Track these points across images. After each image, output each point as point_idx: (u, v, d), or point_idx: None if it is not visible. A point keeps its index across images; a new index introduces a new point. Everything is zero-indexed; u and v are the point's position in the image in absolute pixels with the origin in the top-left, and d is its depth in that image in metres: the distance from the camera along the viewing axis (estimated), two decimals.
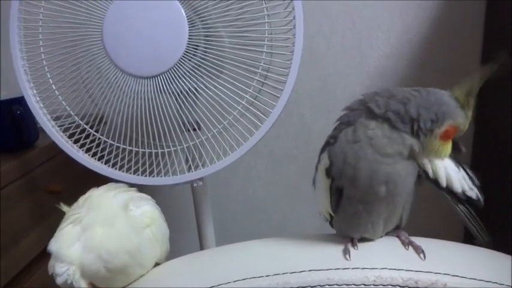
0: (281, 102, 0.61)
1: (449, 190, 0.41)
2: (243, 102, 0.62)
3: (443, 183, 0.41)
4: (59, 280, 0.44)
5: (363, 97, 0.43)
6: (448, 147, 0.41)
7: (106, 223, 0.45)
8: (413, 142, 0.39)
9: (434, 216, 1.00)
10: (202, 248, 0.80)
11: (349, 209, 0.43)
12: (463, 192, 0.41)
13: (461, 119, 0.39)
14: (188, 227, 1.09)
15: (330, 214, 0.46)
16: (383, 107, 0.40)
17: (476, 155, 0.94)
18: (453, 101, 0.39)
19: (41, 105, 0.66)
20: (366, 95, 0.42)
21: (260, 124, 0.62)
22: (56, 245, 0.45)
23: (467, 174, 0.42)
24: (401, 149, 0.39)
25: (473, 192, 0.41)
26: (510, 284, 0.38)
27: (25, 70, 0.65)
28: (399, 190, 0.41)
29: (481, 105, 0.91)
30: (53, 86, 0.65)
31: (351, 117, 0.42)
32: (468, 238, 0.98)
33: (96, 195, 0.48)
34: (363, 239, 0.45)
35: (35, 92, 0.65)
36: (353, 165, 0.39)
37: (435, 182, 0.41)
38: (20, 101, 0.71)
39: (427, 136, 0.39)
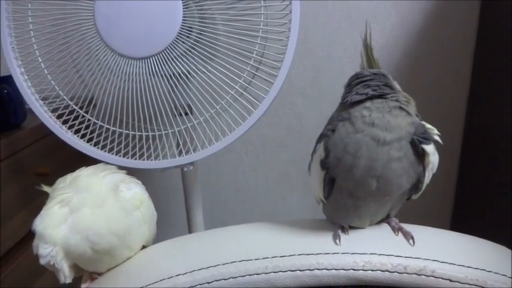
0: (275, 89, 0.61)
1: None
2: (236, 87, 0.62)
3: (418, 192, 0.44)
4: (43, 261, 0.44)
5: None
6: None
7: (95, 204, 0.44)
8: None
9: (423, 203, 1.01)
10: None
11: (339, 200, 0.43)
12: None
13: None
14: (177, 213, 1.09)
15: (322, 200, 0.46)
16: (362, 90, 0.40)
17: (466, 151, 0.95)
18: None
19: (29, 84, 0.64)
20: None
21: (253, 110, 0.62)
22: (41, 224, 0.44)
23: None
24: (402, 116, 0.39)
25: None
26: (497, 271, 0.38)
27: (13, 47, 0.63)
28: (390, 189, 0.40)
29: (472, 100, 0.92)
30: (41, 64, 0.64)
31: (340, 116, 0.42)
32: (455, 226, 1.00)
33: (84, 176, 0.47)
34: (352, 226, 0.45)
35: (22, 70, 0.64)
36: (353, 153, 0.39)
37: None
38: (7, 80, 0.69)
39: None
